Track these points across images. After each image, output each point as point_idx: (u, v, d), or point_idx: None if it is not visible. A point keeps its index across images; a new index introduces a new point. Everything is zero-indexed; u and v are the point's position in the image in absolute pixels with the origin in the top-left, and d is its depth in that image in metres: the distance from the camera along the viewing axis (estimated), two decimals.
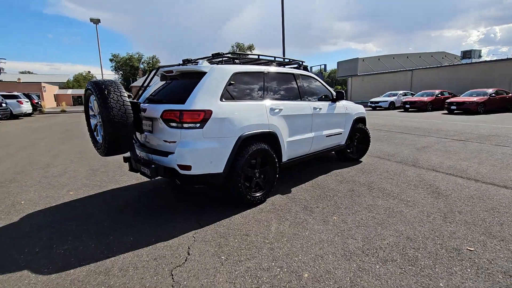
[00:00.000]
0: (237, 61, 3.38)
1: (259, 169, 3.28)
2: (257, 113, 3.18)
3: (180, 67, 3.21)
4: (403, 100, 18.47)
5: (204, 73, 2.95)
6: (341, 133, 4.66)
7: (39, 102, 24.35)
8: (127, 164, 3.36)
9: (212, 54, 3.34)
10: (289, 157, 3.71)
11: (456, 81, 22.62)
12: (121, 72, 65.18)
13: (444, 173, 4.31)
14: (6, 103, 16.64)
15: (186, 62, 3.58)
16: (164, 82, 3.46)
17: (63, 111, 25.73)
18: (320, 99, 4.32)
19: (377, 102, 20.38)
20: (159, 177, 3.35)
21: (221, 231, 2.66)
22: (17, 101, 17.88)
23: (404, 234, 2.53)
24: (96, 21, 26.35)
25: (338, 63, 36.00)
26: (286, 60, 4.14)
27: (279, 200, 3.39)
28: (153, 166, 2.71)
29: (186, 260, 2.19)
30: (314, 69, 29.66)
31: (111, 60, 63.99)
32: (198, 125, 2.71)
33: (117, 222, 2.90)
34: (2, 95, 17.14)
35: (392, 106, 19.87)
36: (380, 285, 1.88)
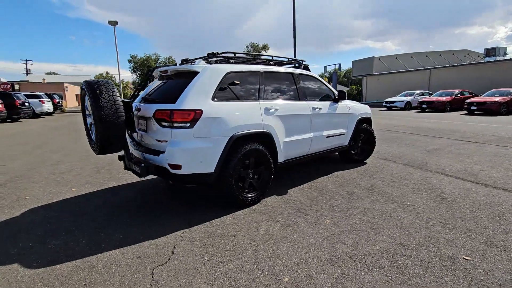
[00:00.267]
0: (231, 60, 3.36)
1: (253, 169, 3.25)
2: (251, 113, 3.14)
3: (174, 67, 3.23)
4: (420, 100, 17.82)
5: (197, 72, 2.95)
6: (343, 134, 4.54)
7: (60, 102, 25.42)
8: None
9: (208, 54, 3.34)
10: (286, 158, 3.65)
11: (478, 80, 21.54)
12: (138, 72, 66.97)
13: (453, 177, 4.10)
14: (29, 102, 17.48)
15: (184, 62, 3.60)
16: (161, 81, 3.50)
17: None
18: (321, 99, 4.23)
19: (393, 102, 19.78)
20: (158, 176, 3.38)
21: (209, 231, 2.65)
22: (39, 100, 18.79)
23: (397, 240, 2.41)
24: (113, 23, 27.10)
25: (353, 62, 35.23)
26: (285, 59, 4.08)
27: (273, 201, 3.34)
28: (143, 165, 2.74)
29: (169, 260, 2.20)
30: (328, 69, 29.22)
31: (129, 61, 65.88)
32: (188, 124, 2.71)
33: (111, 219, 2.95)
34: (26, 95, 18.03)
35: (408, 106, 19.22)
36: None
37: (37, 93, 19.93)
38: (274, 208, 3.14)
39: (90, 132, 3.06)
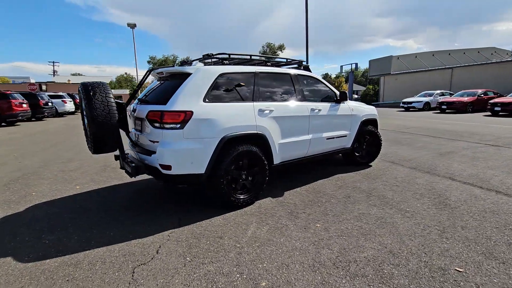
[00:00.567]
0: (226, 61, 3.35)
1: (247, 171, 3.23)
2: (244, 114, 3.12)
3: (168, 69, 3.27)
4: (439, 101, 17.06)
5: (189, 74, 2.97)
6: (345, 136, 4.42)
7: None
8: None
9: (203, 55, 3.36)
10: (283, 160, 3.60)
11: (504, 80, 20.30)
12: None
13: (461, 182, 3.88)
14: (52, 102, 18.41)
15: (183, 63, 3.64)
16: (158, 83, 3.56)
17: None
18: (322, 100, 4.14)
19: (410, 103, 19.06)
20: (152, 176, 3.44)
21: (197, 231, 2.66)
22: (61, 100, 19.75)
23: (387, 248, 2.31)
24: (132, 26, 28.12)
25: (370, 61, 34.22)
26: (283, 60, 4.03)
27: (267, 203, 3.30)
28: (133, 164, 2.79)
29: (152, 259, 2.22)
30: (345, 68, 28.51)
31: (148, 62, 67.84)
32: (178, 125, 2.74)
33: (106, 216, 3.03)
34: (49, 95, 19.00)
35: (427, 107, 18.44)
36: None
37: (60, 93, 20.93)
38: (266, 210, 3.10)
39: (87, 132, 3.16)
